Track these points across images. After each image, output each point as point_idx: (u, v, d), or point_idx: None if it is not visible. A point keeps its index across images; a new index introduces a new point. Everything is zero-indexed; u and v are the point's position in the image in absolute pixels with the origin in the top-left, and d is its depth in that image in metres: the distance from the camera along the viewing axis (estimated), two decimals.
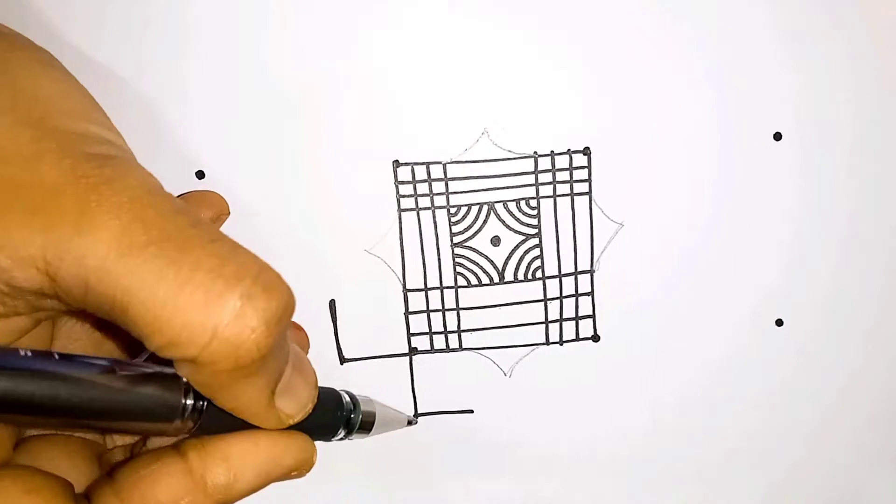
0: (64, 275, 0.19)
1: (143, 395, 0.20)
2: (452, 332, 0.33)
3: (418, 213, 0.32)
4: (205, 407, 0.21)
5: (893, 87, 0.33)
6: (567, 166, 0.32)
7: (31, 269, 0.19)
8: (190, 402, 0.21)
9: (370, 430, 0.28)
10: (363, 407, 0.27)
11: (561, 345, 0.33)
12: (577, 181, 0.32)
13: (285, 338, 0.22)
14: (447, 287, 0.32)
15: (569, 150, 0.32)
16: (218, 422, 0.22)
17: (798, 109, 0.33)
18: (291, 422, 0.23)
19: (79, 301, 0.19)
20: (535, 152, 0.32)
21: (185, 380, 0.21)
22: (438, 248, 0.32)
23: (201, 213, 0.29)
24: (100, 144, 0.21)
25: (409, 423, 0.32)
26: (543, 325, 0.33)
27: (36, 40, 0.29)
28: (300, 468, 0.24)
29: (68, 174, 0.19)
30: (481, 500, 0.34)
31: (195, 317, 0.19)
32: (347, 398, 0.27)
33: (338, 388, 0.27)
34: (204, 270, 0.19)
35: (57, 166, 0.19)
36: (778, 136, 0.33)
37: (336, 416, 0.26)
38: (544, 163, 0.32)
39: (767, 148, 0.33)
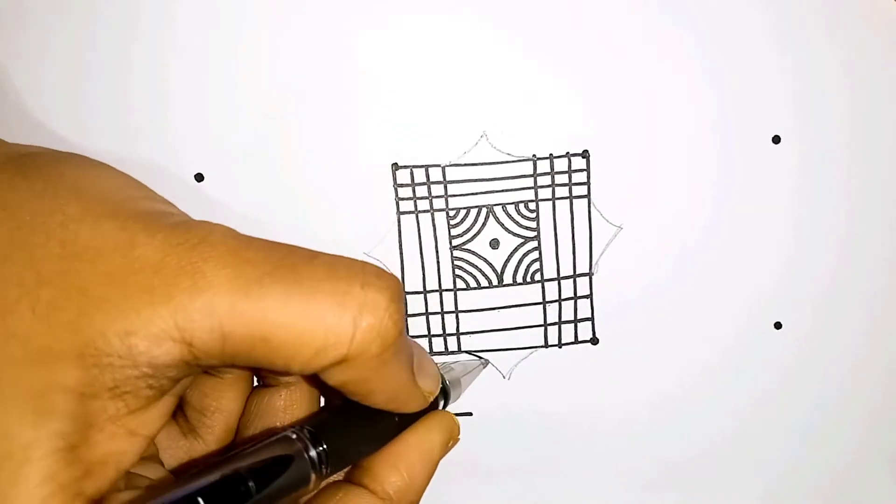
0: (199, 334, 0.20)
1: (276, 481, 0.21)
2: (451, 334, 0.33)
3: (417, 216, 0.32)
4: (326, 451, 0.22)
5: (892, 91, 0.33)
6: (566, 169, 0.32)
7: (168, 342, 0.20)
8: (313, 453, 0.22)
9: (460, 387, 0.30)
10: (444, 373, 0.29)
11: (560, 347, 0.33)
12: (575, 184, 0.32)
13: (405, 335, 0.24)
14: (446, 290, 0.32)
15: (567, 153, 0.32)
16: (343, 454, 0.23)
17: (797, 113, 0.33)
18: (431, 398, 0.26)
19: (218, 355, 0.20)
20: (534, 155, 0.32)
21: (294, 436, 0.22)
22: (437, 251, 0.32)
23: None
24: (172, 216, 0.22)
25: (483, 365, 0.33)
26: (542, 328, 0.33)
27: (29, 47, 0.30)
28: (452, 437, 0.27)
29: (165, 246, 0.20)
30: (479, 502, 0.34)
31: (333, 319, 0.21)
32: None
33: None
34: (322, 279, 0.21)
35: (151, 244, 0.20)
36: (777, 140, 0.33)
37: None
38: (543, 166, 0.32)
39: (766, 151, 0.33)
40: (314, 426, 0.23)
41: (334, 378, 0.22)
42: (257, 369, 0.27)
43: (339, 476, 0.26)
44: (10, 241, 0.20)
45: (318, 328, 0.20)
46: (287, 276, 0.21)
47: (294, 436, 0.22)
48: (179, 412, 0.27)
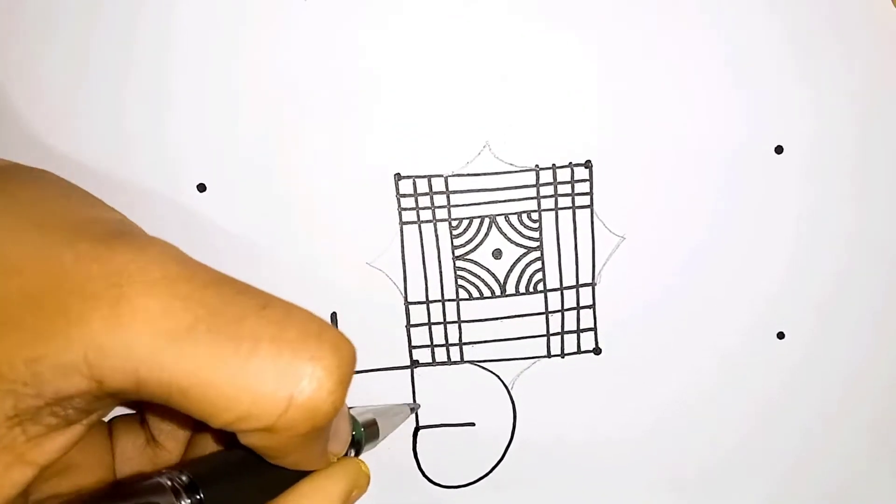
0: (110, 373, 0.18)
1: None
2: (454, 344, 0.33)
3: (420, 226, 0.32)
4: (202, 499, 0.20)
5: (894, 100, 0.33)
6: (569, 179, 0.32)
7: (76, 376, 0.18)
8: (186, 502, 0.20)
9: (377, 437, 0.28)
10: (361, 419, 0.27)
11: (562, 357, 0.33)
12: (578, 194, 0.32)
13: None
14: (449, 300, 0.32)
15: (570, 163, 0.32)
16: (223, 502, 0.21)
17: (799, 123, 0.33)
18: (335, 459, 0.24)
19: (131, 395, 0.18)
20: (537, 165, 0.32)
21: (168, 483, 0.20)
22: (440, 261, 0.32)
23: None
24: (109, 223, 0.20)
25: (412, 409, 0.32)
26: (545, 338, 0.33)
27: (26, 56, 0.30)
28: (357, 486, 0.24)
29: (87, 261, 0.18)
30: None
31: (267, 389, 0.18)
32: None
33: None
34: (265, 340, 0.18)
35: (73, 257, 0.18)
36: (779, 150, 0.33)
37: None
38: (546, 176, 0.32)
39: (769, 161, 0.33)
40: (194, 472, 0.21)
41: (248, 439, 0.20)
42: None
43: None
44: None
45: (245, 396, 0.18)
46: (223, 329, 0.18)
47: (168, 483, 0.20)
48: (144, 422, 0.26)
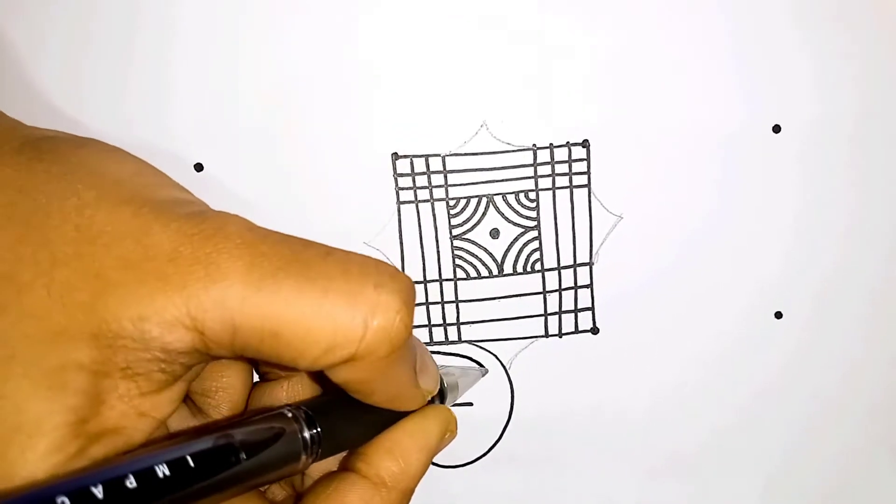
0: (211, 324, 0.20)
1: (266, 452, 0.21)
2: (452, 324, 0.33)
3: (417, 206, 0.32)
4: (319, 433, 0.22)
5: (894, 79, 0.33)
6: (566, 159, 0.32)
7: (181, 330, 0.20)
8: (307, 434, 0.22)
9: (457, 390, 0.30)
10: (444, 377, 0.29)
11: (560, 337, 0.33)
12: (575, 174, 0.32)
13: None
14: (446, 279, 0.32)
15: (567, 142, 0.32)
16: (337, 439, 0.23)
17: (797, 101, 0.33)
18: (429, 396, 0.26)
19: (228, 346, 0.21)
20: (534, 145, 0.32)
21: (290, 414, 0.22)
22: (437, 241, 0.32)
23: None
24: (190, 205, 0.22)
25: (483, 373, 0.33)
26: (543, 318, 0.33)
27: (28, 33, 0.30)
28: (450, 430, 0.27)
29: (180, 236, 0.20)
30: (481, 492, 0.34)
31: (344, 318, 0.21)
32: None
33: None
34: (335, 277, 0.21)
35: (166, 232, 0.20)
36: (777, 129, 0.33)
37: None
38: (543, 155, 0.32)
39: (766, 140, 0.33)
40: (311, 408, 0.23)
41: (339, 376, 0.22)
42: (263, 363, 0.26)
43: (332, 466, 0.26)
44: (27, 223, 0.21)
45: (328, 327, 0.20)
46: (300, 273, 0.21)
47: (290, 414, 0.22)
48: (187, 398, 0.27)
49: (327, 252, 0.22)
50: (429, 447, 0.26)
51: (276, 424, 0.21)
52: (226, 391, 0.26)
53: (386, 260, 0.32)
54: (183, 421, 0.26)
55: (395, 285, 0.21)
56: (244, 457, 0.20)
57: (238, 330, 0.20)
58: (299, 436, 0.22)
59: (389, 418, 0.25)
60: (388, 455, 0.25)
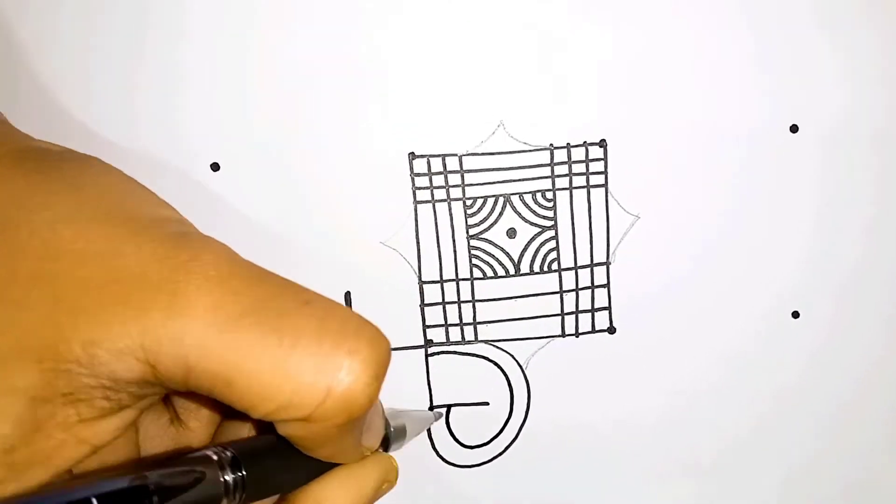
0: (164, 360, 0.19)
1: (182, 496, 0.19)
2: (468, 324, 0.33)
3: (434, 205, 0.32)
4: (244, 478, 0.21)
5: None
6: (583, 158, 0.32)
7: (131, 360, 0.19)
8: (229, 477, 0.21)
9: (404, 437, 0.29)
10: (392, 421, 0.28)
11: (577, 337, 0.33)
12: (593, 173, 0.32)
13: None
14: (463, 279, 0.32)
15: (585, 142, 0.32)
16: (264, 484, 0.22)
17: (815, 101, 0.32)
18: (369, 453, 0.25)
19: (181, 383, 0.19)
20: (551, 144, 0.32)
21: (214, 456, 0.21)
22: (454, 240, 0.32)
23: None
24: (171, 225, 0.21)
25: (438, 417, 0.32)
26: (559, 317, 0.33)
27: (40, 35, 0.30)
28: (387, 479, 0.25)
29: (151, 259, 0.19)
30: (496, 491, 0.34)
31: (307, 380, 0.19)
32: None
33: None
34: (307, 332, 0.19)
35: (137, 254, 0.19)
36: (794, 129, 0.33)
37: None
38: (560, 155, 0.32)
39: (784, 140, 0.33)
40: (238, 450, 0.21)
41: (286, 429, 0.21)
42: None
43: None
44: None
45: (286, 386, 0.19)
46: (269, 320, 0.19)
47: (214, 456, 0.20)
48: (168, 401, 0.26)
49: (306, 300, 0.20)
50: (362, 499, 0.24)
51: (198, 468, 0.20)
52: (201, 399, 0.25)
53: (403, 260, 0.32)
54: (162, 429, 0.25)
55: (370, 353, 0.20)
56: (156, 500, 0.18)
57: (191, 370, 0.19)
58: (221, 479, 0.20)
59: (325, 465, 0.24)
60: None
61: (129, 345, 0.18)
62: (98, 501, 0.17)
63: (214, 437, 0.26)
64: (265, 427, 0.24)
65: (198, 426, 0.26)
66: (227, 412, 0.26)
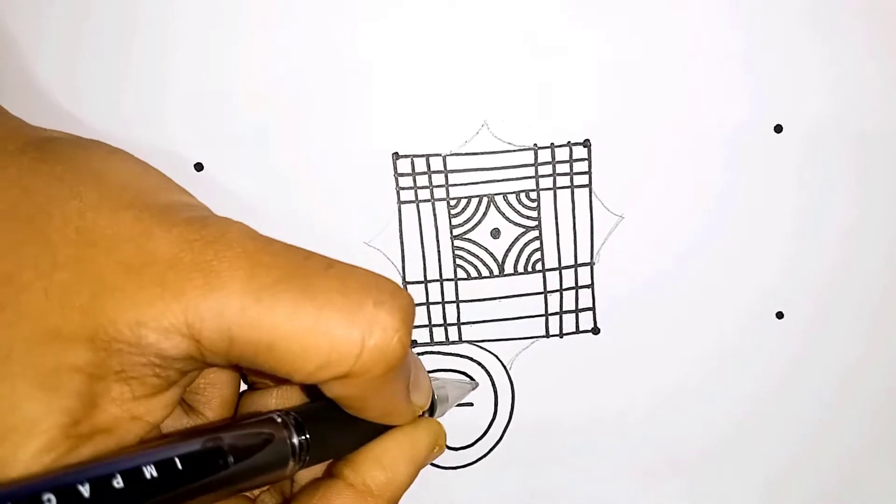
0: (207, 333, 0.20)
1: (254, 457, 0.21)
2: (452, 324, 0.33)
3: (418, 206, 0.32)
4: (308, 440, 0.22)
5: (893, 79, 0.33)
6: (567, 158, 0.32)
7: (177, 337, 0.20)
8: (295, 440, 0.22)
9: (447, 402, 0.30)
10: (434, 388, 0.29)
11: (561, 337, 0.33)
12: (577, 173, 0.32)
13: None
14: (447, 279, 0.32)
15: (569, 142, 0.32)
16: (326, 446, 0.23)
17: (799, 101, 0.32)
18: (420, 412, 0.26)
19: (224, 355, 0.21)
20: (535, 144, 0.32)
21: (279, 419, 0.22)
22: (438, 241, 0.32)
23: None
24: (192, 209, 0.22)
25: (473, 387, 0.33)
26: (543, 318, 0.33)
27: (25, 32, 0.29)
28: (438, 444, 0.27)
29: (180, 242, 0.20)
30: (481, 493, 0.34)
31: (341, 335, 0.20)
32: None
33: None
34: (334, 292, 0.21)
35: (167, 238, 0.20)
36: (779, 129, 0.33)
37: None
38: (544, 155, 0.32)
39: (768, 140, 0.33)
40: (301, 414, 0.22)
41: (332, 391, 0.22)
42: (254, 373, 0.26)
43: (319, 473, 0.26)
44: (29, 224, 0.21)
45: (324, 342, 0.20)
46: (299, 286, 0.20)
47: (279, 419, 0.22)
48: None
49: (328, 265, 0.21)
50: (417, 459, 0.25)
51: (266, 430, 0.21)
52: (214, 387, 0.26)
53: (387, 260, 0.32)
54: (175, 419, 0.26)
55: (394, 303, 0.21)
56: (232, 460, 0.20)
57: (234, 341, 0.20)
58: (288, 442, 0.21)
59: (379, 428, 0.25)
60: (376, 464, 0.24)
61: (173, 322, 0.20)
62: (179, 461, 0.18)
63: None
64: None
65: (212, 415, 0.27)
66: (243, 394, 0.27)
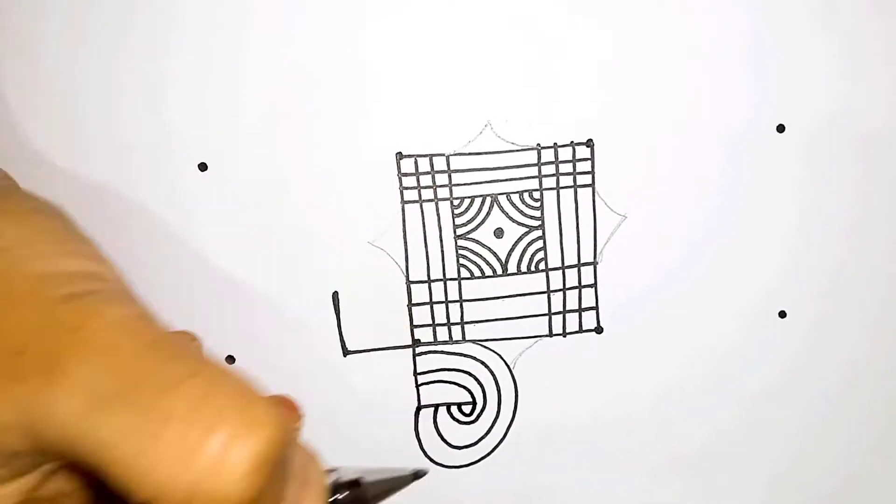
0: (45, 435, 0.17)
1: None
2: (455, 323, 0.33)
3: (421, 205, 0.32)
4: None
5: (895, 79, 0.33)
6: (570, 158, 0.32)
7: (12, 434, 0.17)
8: None
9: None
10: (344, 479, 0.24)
11: (564, 337, 0.33)
12: (580, 173, 0.32)
13: (284, 464, 0.19)
14: (450, 279, 0.32)
15: (572, 142, 0.32)
16: None
17: (801, 101, 0.33)
18: None
19: (69, 458, 0.18)
20: (538, 144, 0.32)
21: None
22: (441, 240, 0.32)
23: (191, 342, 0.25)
24: (75, 282, 0.19)
25: (417, 476, 0.27)
26: (546, 317, 0.33)
27: (26, 34, 0.30)
28: None
29: (37, 325, 0.18)
30: (485, 491, 0.34)
31: (173, 471, 0.16)
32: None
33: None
34: (178, 417, 0.17)
35: (25, 320, 0.18)
36: (781, 128, 0.33)
37: None
38: (547, 155, 0.32)
39: (771, 139, 0.33)
40: None
41: None
42: None
43: None
44: None
45: (153, 476, 0.17)
46: (142, 401, 0.17)
47: None
48: None
49: (192, 374, 0.17)
50: None
51: None
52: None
53: (391, 260, 0.32)
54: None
55: (251, 442, 0.17)
56: None
57: (74, 447, 0.17)
58: None
59: None
60: None
61: (9, 419, 0.17)
62: None
63: None
64: None
65: None
66: None
